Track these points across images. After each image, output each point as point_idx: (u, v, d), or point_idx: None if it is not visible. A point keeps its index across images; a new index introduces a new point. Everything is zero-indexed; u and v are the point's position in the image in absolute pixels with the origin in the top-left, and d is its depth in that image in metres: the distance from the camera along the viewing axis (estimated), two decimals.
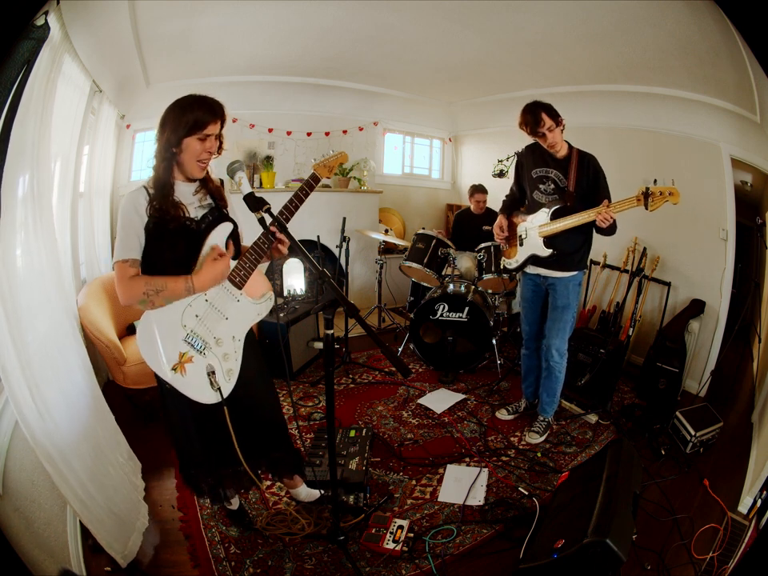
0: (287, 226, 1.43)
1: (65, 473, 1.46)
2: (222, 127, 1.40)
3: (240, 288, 1.48)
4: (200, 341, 1.40)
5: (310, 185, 1.52)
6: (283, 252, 1.49)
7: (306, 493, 1.95)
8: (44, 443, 1.39)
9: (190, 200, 1.43)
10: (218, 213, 1.49)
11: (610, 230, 2.13)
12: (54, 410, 1.48)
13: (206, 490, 1.62)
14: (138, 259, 1.35)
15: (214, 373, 1.40)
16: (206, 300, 1.42)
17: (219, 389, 1.39)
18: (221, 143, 1.42)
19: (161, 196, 1.35)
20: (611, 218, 2.05)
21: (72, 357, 1.79)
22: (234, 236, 1.51)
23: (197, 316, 1.40)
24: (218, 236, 1.45)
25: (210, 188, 1.49)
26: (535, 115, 2.14)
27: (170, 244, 1.37)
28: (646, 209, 1.95)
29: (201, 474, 1.59)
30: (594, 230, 2.24)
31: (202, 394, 1.38)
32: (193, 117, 1.33)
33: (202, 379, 1.38)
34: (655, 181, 1.95)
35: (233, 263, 1.46)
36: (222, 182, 1.56)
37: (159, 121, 1.37)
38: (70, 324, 1.88)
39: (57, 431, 1.48)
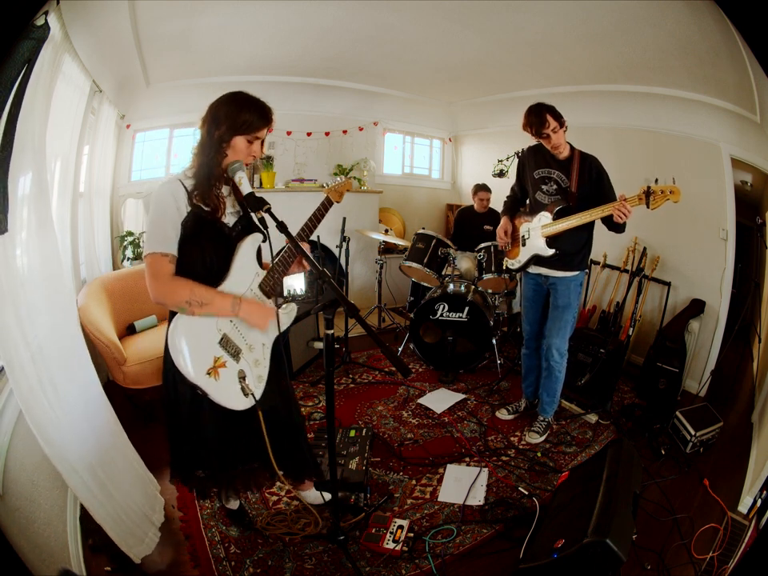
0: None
1: (81, 472, 1.46)
2: (267, 133, 1.41)
3: (269, 297, 1.49)
4: (234, 347, 1.39)
5: (325, 206, 1.59)
6: (306, 266, 1.50)
7: (315, 495, 1.91)
8: (58, 442, 1.39)
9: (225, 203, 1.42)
10: (247, 221, 1.48)
11: (623, 225, 2.13)
12: (69, 408, 1.50)
13: (211, 490, 1.63)
14: (176, 256, 1.29)
15: (245, 378, 1.39)
16: None
17: (252, 394, 1.38)
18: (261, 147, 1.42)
19: (207, 186, 1.31)
20: (629, 211, 2.01)
21: (82, 353, 1.79)
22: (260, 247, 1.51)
23: (231, 321, 1.39)
24: (250, 246, 1.44)
25: (239, 193, 1.47)
26: (540, 117, 2.14)
27: (205, 246, 1.34)
28: (648, 207, 1.96)
29: (208, 475, 1.57)
30: (607, 227, 2.25)
31: (233, 399, 1.36)
32: (249, 117, 1.32)
33: (233, 384, 1.37)
34: (656, 180, 1.96)
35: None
36: None
37: (210, 111, 1.34)
38: (74, 322, 1.88)
39: (74, 429, 1.49)
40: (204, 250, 1.34)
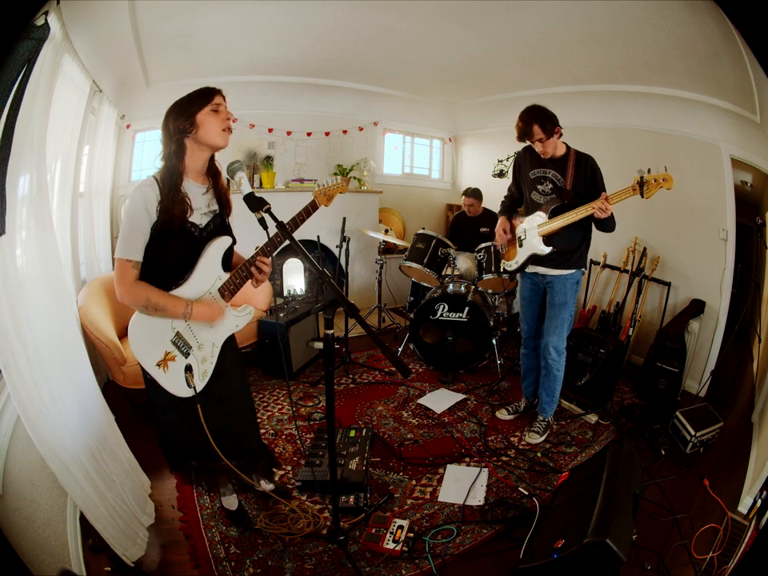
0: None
1: (73, 471, 1.47)
2: (226, 105, 1.43)
3: (227, 301, 1.53)
4: (185, 344, 1.48)
5: (308, 211, 1.59)
6: (262, 273, 1.51)
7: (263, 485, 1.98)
8: (51, 442, 1.40)
9: (198, 203, 1.44)
10: (220, 222, 1.52)
11: (609, 224, 2.16)
12: (63, 408, 1.50)
13: (195, 477, 1.68)
14: (141, 261, 1.37)
15: (192, 374, 1.48)
16: None
17: (194, 387, 1.48)
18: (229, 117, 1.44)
19: (170, 185, 1.35)
20: (607, 208, 2.05)
21: (80, 354, 1.80)
22: (229, 250, 1.54)
23: (186, 322, 1.47)
24: (217, 249, 1.48)
25: (219, 190, 1.51)
26: (527, 126, 2.17)
27: (172, 248, 1.39)
28: (642, 197, 1.98)
29: (187, 460, 1.64)
30: (594, 226, 2.26)
31: (179, 389, 1.47)
32: (197, 95, 1.37)
33: (180, 376, 1.47)
34: (649, 170, 1.97)
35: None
36: (228, 182, 1.56)
37: (163, 119, 1.38)
38: (74, 322, 1.88)
39: (67, 429, 1.50)
40: (170, 253, 1.40)
